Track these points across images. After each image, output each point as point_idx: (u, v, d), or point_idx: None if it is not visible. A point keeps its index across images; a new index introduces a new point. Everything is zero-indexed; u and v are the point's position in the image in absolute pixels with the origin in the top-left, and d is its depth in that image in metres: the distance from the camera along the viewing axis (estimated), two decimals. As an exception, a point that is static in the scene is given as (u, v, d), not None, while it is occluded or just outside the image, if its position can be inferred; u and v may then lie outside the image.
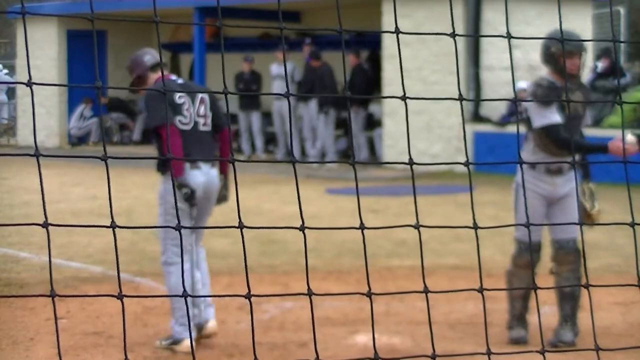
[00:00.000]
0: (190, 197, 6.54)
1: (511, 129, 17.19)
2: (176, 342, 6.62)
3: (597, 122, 15.82)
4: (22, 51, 24.33)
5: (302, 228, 2.52)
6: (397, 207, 13.37)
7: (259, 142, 20.25)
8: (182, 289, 2.56)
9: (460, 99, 2.67)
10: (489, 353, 2.68)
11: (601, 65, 18.59)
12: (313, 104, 18.86)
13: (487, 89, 18.39)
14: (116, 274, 2.54)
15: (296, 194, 2.57)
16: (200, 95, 6.78)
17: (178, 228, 2.47)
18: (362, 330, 7.13)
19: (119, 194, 13.73)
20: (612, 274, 8.85)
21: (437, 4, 17.84)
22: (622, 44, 20.69)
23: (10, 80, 25.71)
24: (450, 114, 18.15)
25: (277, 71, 19.85)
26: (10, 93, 26.12)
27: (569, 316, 6.76)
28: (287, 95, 2.52)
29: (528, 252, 6.81)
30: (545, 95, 6.69)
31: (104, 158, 2.39)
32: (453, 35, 2.64)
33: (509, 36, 2.70)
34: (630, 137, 6.65)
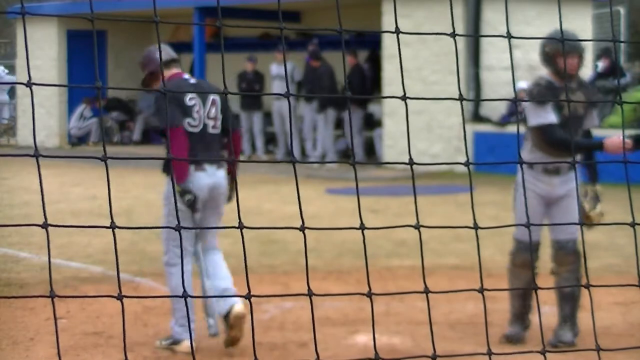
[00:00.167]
0: (193, 204, 6.45)
1: (511, 129, 17.19)
2: (176, 342, 6.62)
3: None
4: (22, 51, 24.32)
5: (302, 228, 2.52)
6: (397, 207, 13.37)
7: (260, 142, 20.24)
8: (181, 289, 2.56)
9: (461, 99, 2.67)
10: (489, 353, 2.68)
11: (601, 65, 18.59)
12: (313, 104, 18.86)
13: (487, 89, 18.39)
14: (116, 274, 2.54)
15: (296, 194, 2.57)
16: (212, 97, 6.62)
17: (178, 229, 2.46)
18: (362, 330, 7.13)
19: (119, 194, 13.73)
20: (613, 274, 8.85)
21: (437, 4, 17.84)
22: (622, 44, 20.69)
23: (11, 81, 25.71)
24: (450, 114, 18.15)
25: (277, 71, 19.84)
26: (11, 93, 26.13)
27: (568, 316, 6.76)
28: (287, 96, 2.52)
29: (524, 252, 6.83)
30: (541, 94, 6.70)
31: (104, 158, 2.39)
32: (453, 35, 2.64)
33: (509, 36, 2.70)
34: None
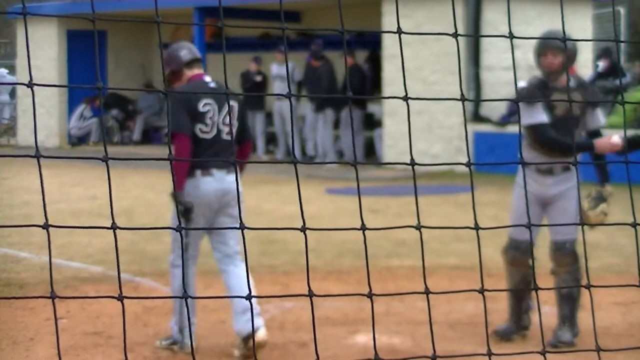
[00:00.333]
0: (185, 214, 6.35)
1: (511, 129, 17.19)
2: (176, 342, 6.61)
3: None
4: (22, 51, 24.32)
5: (303, 229, 2.52)
6: (397, 207, 13.36)
7: (260, 142, 20.24)
8: (183, 291, 2.56)
9: (462, 99, 2.66)
10: (489, 354, 2.68)
11: (602, 65, 18.59)
12: (312, 105, 18.87)
13: (487, 89, 18.39)
14: (116, 274, 2.54)
15: (296, 194, 2.56)
16: (229, 103, 6.56)
17: (179, 229, 2.46)
18: (362, 330, 7.13)
19: (119, 194, 13.72)
20: (613, 274, 8.85)
21: (438, 4, 17.84)
22: (622, 44, 20.69)
23: (12, 82, 25.71)
24: (450, 114, 18.15)
25: (277, 71, 19.84)
26: (12, 93, 26.13)
27: (567, 317, 6.76)
28: (288, 96, 2.52)
29: (513, 249, 6.89)
30: (530, 93, 6.71)
31: (105, 159, 2.38)
32: (455, 35, 2.64)
33: (511, 36, 2.70)
34: (616, 137, 6.62)
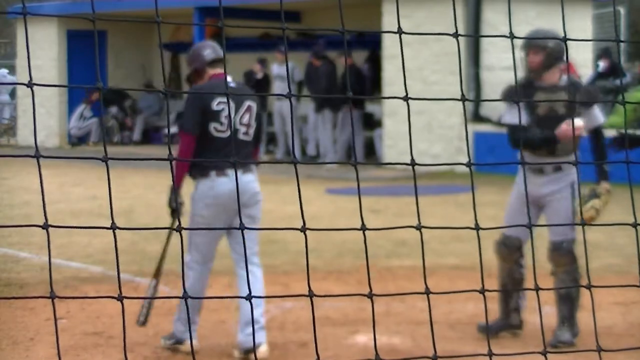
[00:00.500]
0: (172, 214, 6.34)
1: (511, 129, 17.16)
2: (179, 341, 6.60)
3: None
4: (22, 51, 24.32)
5: (303, 229, 2.51)
6: (397, 207, 13.36)
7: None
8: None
9: (463, 99, 2.66)
10: (490, 354, 2.67)
11: (602, 65, 18.59)
12: (313, 104, 18.87)
13: (487, 89, 18.38)
14: (116, 274, 2.54)
15: (296, 194, 2.56)
16: (247, 103, 6.46)
17: (179, 229, 2.46)
18: (362, 330, 7.12)
19: (119, 194, 13.72)
20: (613, 274, 8.85)
21: (438, 4, 17.83)
22: (622, 44, 20.70)
23: (12, 82, 25.70)
24: (450, 114, 18.15)
25: (277, 71, 19.84)
26: (12, 93, 26.13)
27: (566, 317, 6.76)
28: (288, 96, 2.51)
29: (500, 244, 6.94)
30: (510, 93, 6.72)
31: (105, 159, 2.38)
32: (456, 35, 2.63)
33: (511, 36, 2.69)
34: (577, 121, 6.62)
